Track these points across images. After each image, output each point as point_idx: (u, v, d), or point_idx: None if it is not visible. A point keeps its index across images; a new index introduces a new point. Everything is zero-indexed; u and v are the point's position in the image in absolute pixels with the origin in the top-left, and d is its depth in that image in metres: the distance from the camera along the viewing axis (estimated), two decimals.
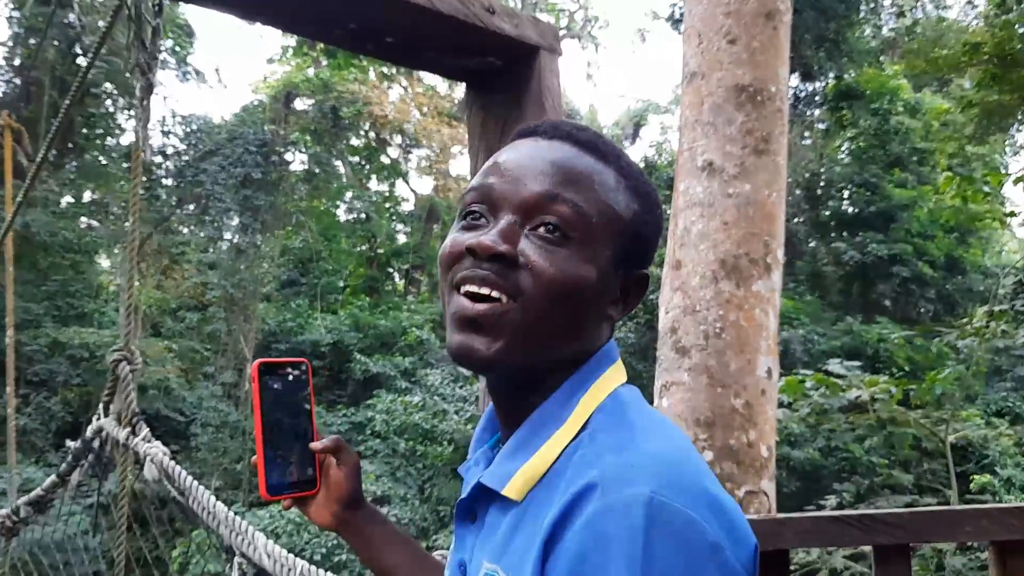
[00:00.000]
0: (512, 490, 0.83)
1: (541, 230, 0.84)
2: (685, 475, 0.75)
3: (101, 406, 3.23)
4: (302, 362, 1.09)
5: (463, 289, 0.85)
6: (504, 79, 1.86)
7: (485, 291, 0.83)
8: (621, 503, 0.71)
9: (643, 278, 0.92)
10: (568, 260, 0.83)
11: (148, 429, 3.04)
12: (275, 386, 1.06)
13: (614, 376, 0.90)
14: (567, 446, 0.83)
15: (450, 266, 0.87)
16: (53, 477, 3.64)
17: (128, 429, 3.04)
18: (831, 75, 17.83)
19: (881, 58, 19.18)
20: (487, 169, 0.90)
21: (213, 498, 2.61)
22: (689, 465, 0.78)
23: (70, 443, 3.51)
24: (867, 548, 1.67)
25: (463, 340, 0.84)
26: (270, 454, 1.04)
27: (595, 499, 0.73)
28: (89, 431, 3.27)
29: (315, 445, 1.08)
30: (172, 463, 2.80)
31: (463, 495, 0.91)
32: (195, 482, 2.69)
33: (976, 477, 10.77)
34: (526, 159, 0.88)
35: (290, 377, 1.08)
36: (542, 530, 0.76)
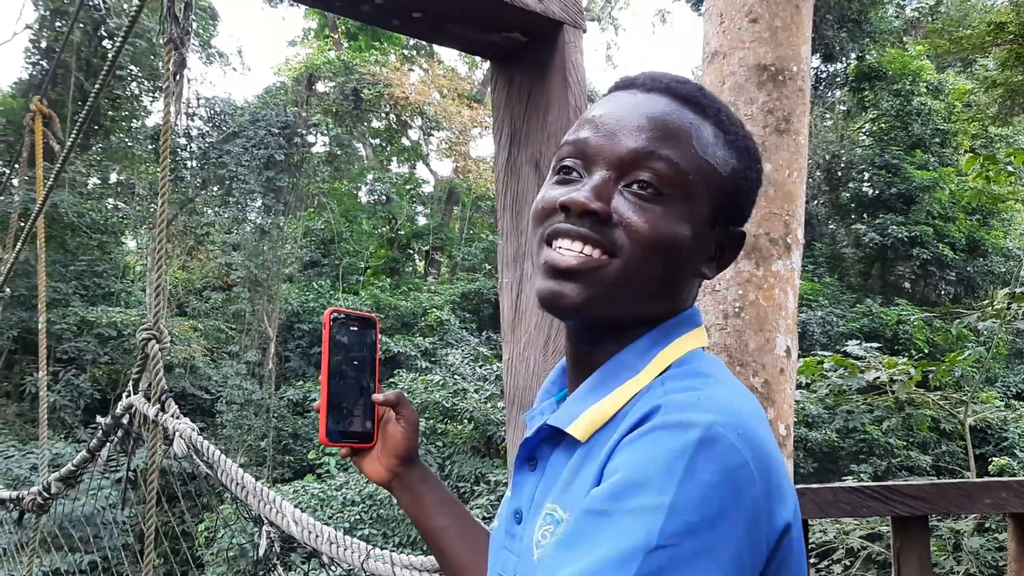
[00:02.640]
0: (577, 429, 0.83)
1: (635, 187, 0.82)
2: (751, 428, 0.73)
3: (131, 383, 3.26)
4: (372, 318, 1.11)
5: (556, 244, 0.84)
6: (528, 54, 1.87)
7: (578, 247, 0.82)
8: (679, 422, 0.71)
9: (740, 236, 0.90)
10: (663, 218, 0.82)
11: (176, 406, 3.07)
12: (343, 338, 1.08)
13: (697, 337, 0.88)
14: (637, 393, 0.82)
15: (542, 220, 0.86)
16: (84, 453, 3.69)
17: (157, 406, 3.08)
18: (853, 56, 17.66)
19: (904, 38, 18.96)
20: (582, 122, 0.88)
21: (241, 470, 2.63)
22: (759, 423, 0.76)
23: (100, 419, 3.53)
24: (885, 528, 1.69)
25: (553, 287, 0.83)
26: (333, 402, 1.06)
27: (655, 419, 0.73)
28: (119, 407, 3.31)
29: (377, 397, 1.09)
30: (200, 438, 2.82)
31: (527, 435, 0.90)
32: (223, 455, 2.72)
33: (995, 459, 10.71)
34: (622, 113, 0.85)
35: (359, 331, 1.09)
36: (601, 459, 0.76)
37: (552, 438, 0.88)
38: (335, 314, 1.07)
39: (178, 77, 3.01)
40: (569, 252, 0.82)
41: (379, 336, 1.13)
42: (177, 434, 2.86)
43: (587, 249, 0.82)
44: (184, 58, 2.94)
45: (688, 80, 0.89)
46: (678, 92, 0.86)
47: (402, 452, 1.11)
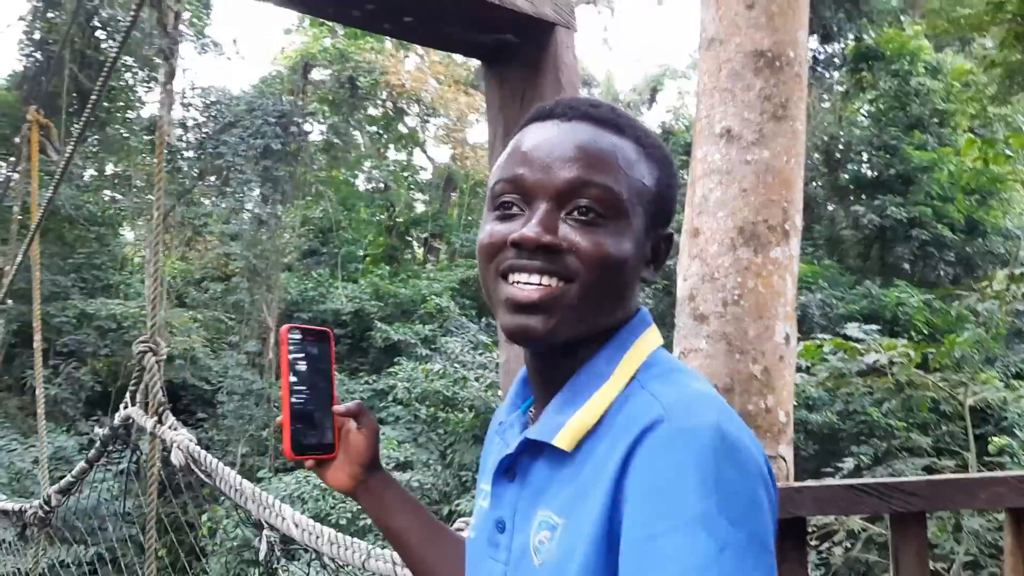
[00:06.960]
0: (563, 440, 0.86)
1: (576, 213, 0.87)
2: (734, 413, 0.82)
3: (128, 395, 3.27)
4: (325, 331, 1.15)
5: (513, 279, 0.88)
6: (520, 55, 1.87)
7: (536, 280, 0.87)
8: (690, 429, 0.77)
9: (669, 236, 0.96)
10: (607, 238, 0.87)
11: (174, 418, 3.08)
12: (301, 353, 1.11)
13: (653, 338, 0.94)
14: (615, 399, 0.87)
15: (492, 256, 0.90)
16: (82, 463, 3.73)
17: (155, 418, 3.10)
18: (851, 36, 17.57)
19: (902, 18, 18.85)
20: (514, 158, 0.92)
21: (239, 477, 2.65)
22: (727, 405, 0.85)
23: (97, 430, 3.55)
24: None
25: (520, 321, 0.88)
26: (296, 416, 1.09)
27: (663, 428, 0.78)
28: (117, 419, 3.33)
29: (338, 408, 1.13)
30: (198, 448, 2.84)
31: (509, 451, 0.93)
32: (220, 463, 2.75)
33: (995, 439, 10.72)
34: (551, 145, 0.90)
35: (315, 343, 1.13)
36: (610, 469, 0.80)
37: (531, 449, 0.91)
38: (292, 330, 1.11)
39: (168, 87, 2.99)
40: (528, 286, 0.87)
41: (334, 349, 1.16)
42: (175, 445, 2.88)
43: (545, 280, 0.87)
44: (174, 69, 2.91)
45: (601, 103, 0.96)
46: (596, 117, 0.92)
47: (365, 460, 1.15)
